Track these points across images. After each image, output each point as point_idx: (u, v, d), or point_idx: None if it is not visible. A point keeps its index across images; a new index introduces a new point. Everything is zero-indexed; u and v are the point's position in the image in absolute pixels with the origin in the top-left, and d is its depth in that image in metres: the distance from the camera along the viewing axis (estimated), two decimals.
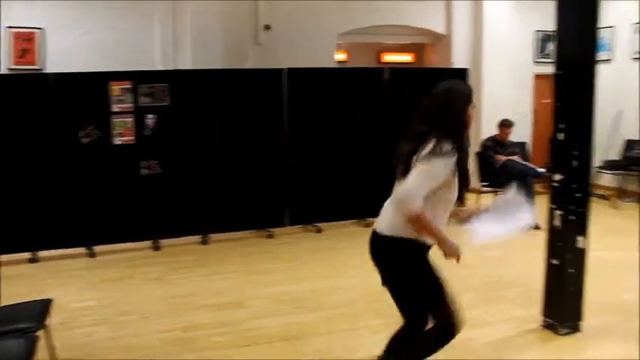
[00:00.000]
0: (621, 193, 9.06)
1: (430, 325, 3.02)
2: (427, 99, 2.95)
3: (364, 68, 8.09)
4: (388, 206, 2.96)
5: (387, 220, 2.90)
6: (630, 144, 9.07)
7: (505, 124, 7.64)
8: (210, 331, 4.19)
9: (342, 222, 7.31)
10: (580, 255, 3.96)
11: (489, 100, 9.26)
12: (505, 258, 5.94)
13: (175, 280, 5.37)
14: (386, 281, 3.04)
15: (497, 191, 7.44)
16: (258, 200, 6.81)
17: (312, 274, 5.50)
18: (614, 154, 9.27)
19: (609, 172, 9.14)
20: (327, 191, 7.12)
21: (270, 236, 6.84)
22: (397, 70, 7.86)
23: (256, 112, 6.72)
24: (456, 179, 2.81)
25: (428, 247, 2.91)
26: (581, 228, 3.92)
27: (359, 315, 4.45)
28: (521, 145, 8.80)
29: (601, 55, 9.67)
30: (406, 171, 2.74)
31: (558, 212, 3.89)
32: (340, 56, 10.60)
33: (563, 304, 4.01)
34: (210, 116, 6.54)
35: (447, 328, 2.95)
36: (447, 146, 2.69)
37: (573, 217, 3.85)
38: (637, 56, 9.11)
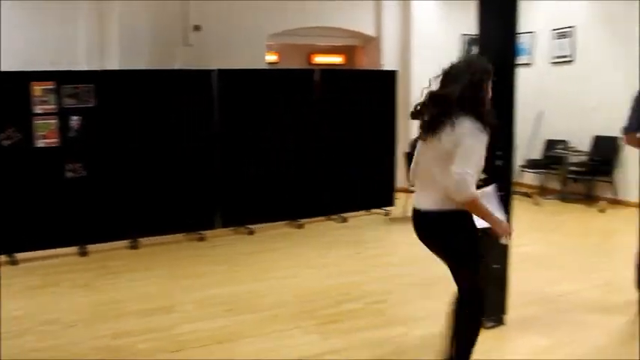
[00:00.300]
0: (543, 191, 9.45)
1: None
2: (449, 67, 3.05)
3: (295, 70, 8.14)
4: (426, 183, 3.06)
5: (432, 196, 3.00)
6: (550, 144, 9.47)
7: None
8: (140, 337, 4.10)
9: (275, 223, 7.31)
10: (504, 251, 4.09)
11: (418, 100, 9.45)
12: (432, 255, 6.03)
13: (103, 286, 5.23)
14: (439, 254, 3.22)
15: None
16: (188, 203, 6.72)
17: (244, 276, 5.47)
18: (536, 154, 9.66)
19: (532, 170, 9.52)
20: (259, 193, 7.11)
21: (202, 239, 6.76)
22: (327, 71, 7.92)
23: (186, 114, 6.63)
24: None
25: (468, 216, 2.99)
26: None
27: (292, 316, 4.46)
28: None
29: (521, 59, 10.09)
30: (431, 132, 2.94)
31: None
32: (271, 57, 10.59)
33: (488, 299, 4.13)
34: (138, 118, 6.40)
35: (477, 292, 3.19)
36: (479, 124, 2.85)
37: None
38: (555, 61, 9.54)
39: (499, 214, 3.21)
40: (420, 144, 3.15)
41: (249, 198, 7.08)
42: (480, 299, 3.20)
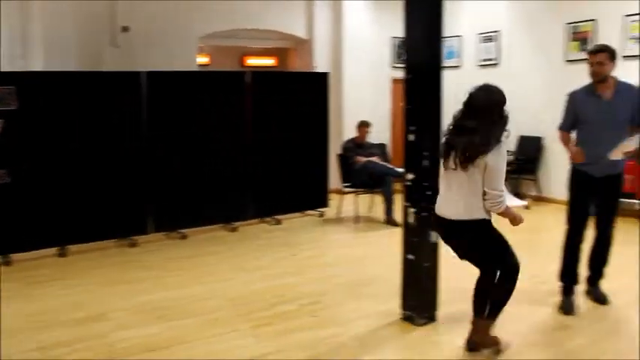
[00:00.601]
0: None
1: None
2: (470, 99, 3.58)
3: (226, 72, 8.09)
4: (457, 198, 3.60)
5: (463, 209, 3.57)
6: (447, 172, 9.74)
7: (363, 124, 7.96)
8: (71, 347, 3.97)
9: (208, 227, 7.24)
10: (433, 249, 4.20)
11: (350, 102, 9.59)
12: (367, 256, 6.18)
13: (31, 296, 5.03)
14: (464, 254, 3.77)
15: (358, 192, 7.73)
16: (118, 208, 6.57)
17: (177, 281, 5.39)
18: None
19: None
20: (191, 196, 7.02)
21: (133, 245, 6.61)
22: (259, 73, 7.91)
23: (113, 116, 6.47)
24: None
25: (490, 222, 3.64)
26: None
27: (227, 320, 4.43)
28: (381, 146, 9.18)
29: (450, 62, 10.38)
30: (466, 162, 3.44)
31: (412, 210, 4.11)
32: (202, 59, 10.49)
33: (419, 297, 4.25)
34: (63, 121, 6.19)
35: (515, 269, 3.69)
36: (502, 145, 3.46)
37: (426, 214, 4.07)
38: (482, 64, 9.85)
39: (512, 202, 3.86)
40: (451, 172, 3.62)
41: (182, 202, 6.98)
42: (515, 275, 3.72)
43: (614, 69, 4.42)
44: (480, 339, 3.80)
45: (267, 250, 6.43)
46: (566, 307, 4.52)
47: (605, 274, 4.82)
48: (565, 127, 4.70)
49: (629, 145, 4.23)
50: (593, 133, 4.33)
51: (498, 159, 3.44)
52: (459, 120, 3.57)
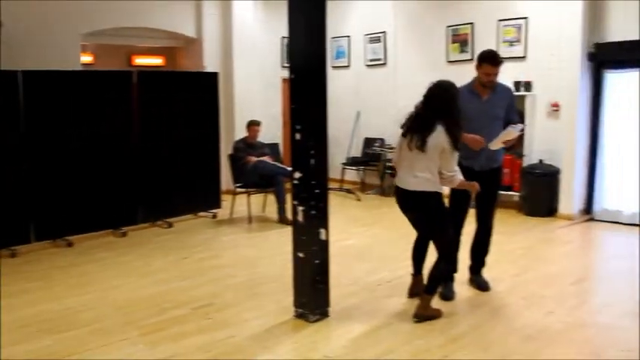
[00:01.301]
0: (364, 187, 9.98)
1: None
2: (429, 93, 4.22)
3: (111, 71, 7.77)
4: (415, 173, 4.21)
5: (420, 182, 4.19)
6: (368, 141, 10.04)
7: (253, 123, 7.95)
8: None
9: (96, 233, 6.97)
10: (323, 246, 4.27)
11: (241, 102, 9.53)
12: (260, 256, 6.19)
13: None
14: (418, 221, 4.45)
15: (250, 192, 7.71)
16: None
17: (63, 291, 5.14)
18: (357, 152, 10.18)
19: (353, 167, 10.01)
20: (76, 201, 6.72)
21: (14, 255, 6.23)
22: (146, 73, 7.69)
23: None
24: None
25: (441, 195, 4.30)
26: (323, 221, 4.22)
27: (116, 329, 4.28)
28: (273, 145, 9.21)
29: (340, 62, 10.61)
30: (422, 146, 4.10)
31: (301, 208, 4.16)
32: (86, 58, 10.07)
33: (311, 294, 4.30)
34: None
35: (450, 247, 4.44)
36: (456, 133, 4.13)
37: (314, 212, 4.13)
38: (370, 63, 10.12)
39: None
40: (403, 143, 4.29)
41: (66, 207, 6.66)
42: (450, 253, 4.50)
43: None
44: (422, 312, 4.34)
45: (158, 254, 6.28)
46: (446, 294, 4.77)
47: (487, 262, 5.11)
48: None
49: (508, 134, 4.53)
50: (473, 129, 4.55)
51: (448, 142, 4.09)
52: (421, 110, 4.23)
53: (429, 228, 4.40)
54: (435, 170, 4.18)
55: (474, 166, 4.67)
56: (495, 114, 4.73)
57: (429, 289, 4.33)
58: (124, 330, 4.25)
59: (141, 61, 11.90)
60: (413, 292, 4.74)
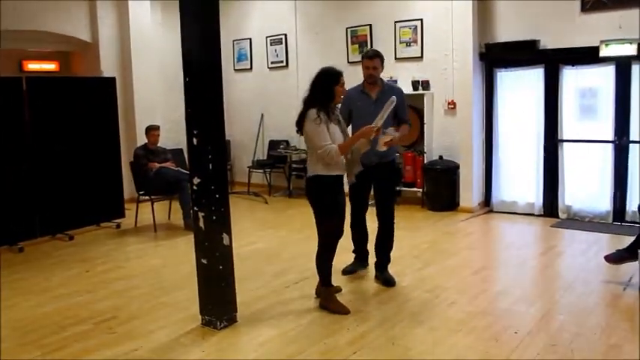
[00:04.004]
0: (271, 189, 9.97)
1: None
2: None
3: None
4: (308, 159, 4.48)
5: (309, 166, 4.42)
6: (273, 144, 10.03)
7: (151, 128, 7.75)
8: None
9: None
10: (227, 251, 4.21)
11: (141, 107, 9.27)
12: (165, 264, 6.04)
13: None
14: (315, 211, 4.47)
15: (153, 199, 7.50)
16: None
17: None
18: (262, 154, 10.16)
19: (259, 170, 9.98)
20: None
21: None
22: (36, 79, 7.30)
23: None
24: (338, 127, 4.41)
25: (336, 178, 4.38)
26: (225, 226, 4.16)
27: (13, 351, 4.04)
28: (178, 151, 9.03)
29: (243, 65, 10.56)
30: (300, 130, 4.33)
31: (201, 214, 4.08)
32: None
33: (217, 300, 4.24)
34: None
35: (330, 234, 4.44)
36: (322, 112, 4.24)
37: (215, 217, 4.07)
38: (272, 66, 10.13)
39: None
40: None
41: None
42: (331, 241, 4.46)
43: (382, 71, 5.03)
44: (325, 305, 4.52)
45: (58, 268, 5.99)
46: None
47: (392, 258, 5.24)
48: None
49: (387, 137, 4.69)
50: (363, 126, 4.73)
51: (309, 123, 4.23)
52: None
53: (317, 213, 4.47)
54: (311, 152, 4.35)
55: (366, 160, 4.80)
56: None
57: (321, 281, 4.56)
58: (23, 351, 4.02)
59: (33, 66, 11.32)
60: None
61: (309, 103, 4.31)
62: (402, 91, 5.28)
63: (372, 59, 4.92)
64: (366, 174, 4.74)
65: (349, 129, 4.89)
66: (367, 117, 4.64)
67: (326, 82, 4.31)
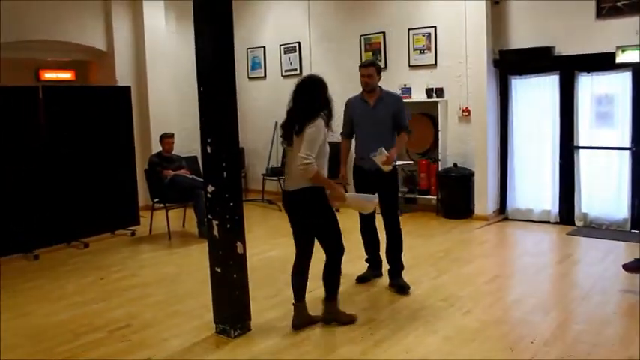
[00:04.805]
0: None
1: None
2: (296, 87, 4.25)
3: (15, 87, 7.38)
4: (293, 171, 4.11)
5: (296, 179, 4.10)
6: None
7: (165, 136, 7.79)
8: None
9: (4, 258, 6.59)
10: (241, 260, 4.21)
11: (156, 116, 9.33)
12: (180, 272, 6.05)
13: None
14: (301, 228, 4.38)
15: (168, 207, 7.52)
16: None
17: None
18: (277, 162, 10.16)
19: (273, 178, 9.97)
20: None
21: None
22: (53, 88, 7.38)
23: None
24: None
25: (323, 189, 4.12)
26: (239, 234, 4.17)
27: (28, 358, 4.07)
28: (192, 159, 9.05)
29: (257, 73, 10.58)
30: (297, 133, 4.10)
31: (215, 222, 4.09)
32: None
33: (231, 309, 4.24)
34: None
35: (336, 248, 4.25)
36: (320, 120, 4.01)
37: (229, 226, 4.08)
38: (286, 74, 10.14)
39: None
40: (287, 149, 4.24)
41: None
42: (339, 255, 4.27)
43: (380, 80, 5.15)
44: (334, 318, 4.39)
45: (73, 276, 6.03)
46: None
47: (406, 266, 5.21)
48: (345, 133, 5.36)
49: (382, 157, 4.85)
50: (362, 133, 5.15)
51: (314, 127, 3.99)
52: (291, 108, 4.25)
53: (315, 229, 4.24)
54: (292, 162, 4.12)
55: (365, 165, 5.02)
56: (381, 119, 5.08)
57: (329, 294, 4.39)
58: (39, 358, 4.04)
59: (50, 75, 11.45)
60: (294, 323, 4.44)
61: (312, 112, 4.07)
62: (400, 98, 5.43)
63: (367, 67, 5.10)
64: (365, 179, 5.01)
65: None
66: (364, 123, 4.95)
67: (326, 93, 4.19)
